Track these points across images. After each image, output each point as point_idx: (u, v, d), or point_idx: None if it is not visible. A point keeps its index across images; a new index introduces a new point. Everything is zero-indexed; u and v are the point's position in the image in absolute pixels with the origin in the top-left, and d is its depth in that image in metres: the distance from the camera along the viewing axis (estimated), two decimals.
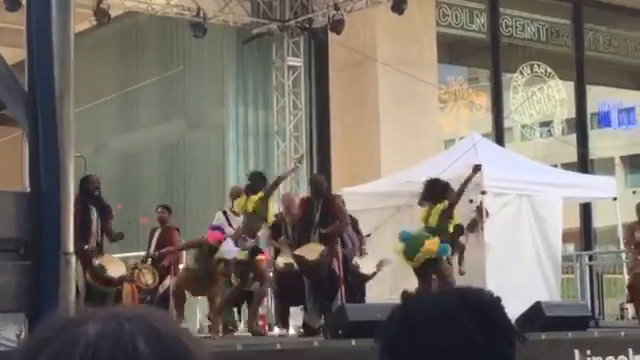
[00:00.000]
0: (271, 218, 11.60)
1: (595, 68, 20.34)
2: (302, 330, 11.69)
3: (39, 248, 5.16)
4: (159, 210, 13.29)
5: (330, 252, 11.26)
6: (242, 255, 11.12)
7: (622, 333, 11.12)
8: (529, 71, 19.44)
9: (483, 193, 12.63)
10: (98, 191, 11.28)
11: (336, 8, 15.91)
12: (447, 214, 11.20)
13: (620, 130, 24.05)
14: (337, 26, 15.84)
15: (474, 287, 1.75)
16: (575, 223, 18.57)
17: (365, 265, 11.83)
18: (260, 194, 11.20)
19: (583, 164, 19.28)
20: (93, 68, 19.30)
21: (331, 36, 16.47)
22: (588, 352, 10.09)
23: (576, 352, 10.02)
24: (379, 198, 13.65)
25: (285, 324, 12.05)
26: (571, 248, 18.44)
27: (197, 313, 14.07)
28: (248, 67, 17.68)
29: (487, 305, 1.67)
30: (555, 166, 19.11)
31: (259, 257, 11.31)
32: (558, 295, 13.89)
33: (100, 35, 18.64)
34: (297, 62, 17.55)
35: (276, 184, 11.79)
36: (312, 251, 11.19)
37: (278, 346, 8.89)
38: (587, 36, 20.05)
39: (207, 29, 16.20)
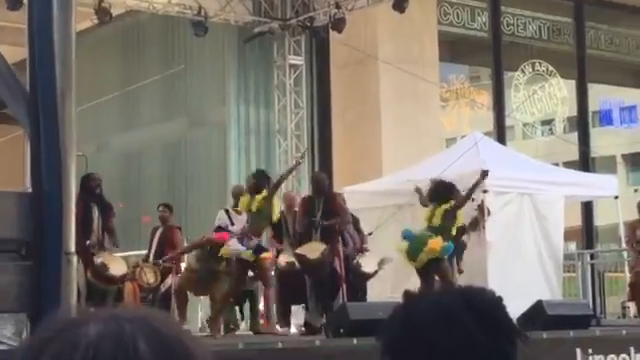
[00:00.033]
0: (276, 217, 11.57)
1: (596, 66, 20.33)
2: (304, 329, 11.69)
3: (41, 248, 5.14)
4: (160, 209, 13.26)
5: (332, 251, 11.24)
6: (246, 254, 11.09)
7: (624, 332, 11.09)
8: (530, 69, 19.43)
9: (485, 192, 12.60)
10: (99, 189, 11.25)
11: (337, 6, 15.90)
12: (451, 214, 11.13)
13: (622, 128, 23.99)
14: (338, 24, 15.84)
15: (476, 286, 1.76)
16: (577, 221, 18.55)
17: (366, 264, 11.81)
18: (264, 193, 11.17)
19: (585, 162, 19.25)
20: (94, 67, 19.29)
21: (332, 34, 16.47)
22: (590, 351, 10.06)
23: (578, 351, 10.00)
24: (380, 197, 13.63)
25: (287, 323, 12.04)
26: (573, 247, 18.40)
27: (199, 311, 14.07)
28: (249, 66, 17.68)
29: (489, 304, 1.67)
30: (556, 164, 19.05)
31: (263, 255, 11.28)
32: (560, 294, 13.87)
33: (101, 34, 18.64)
34: (298, 61, 17.56)
35: (279, 183, 11.77)
36: (314, 250, 11.17)
37: (279, 345, 8.88)
38: (588, 34, 20.04)
39: (208, 28, 16.20)
